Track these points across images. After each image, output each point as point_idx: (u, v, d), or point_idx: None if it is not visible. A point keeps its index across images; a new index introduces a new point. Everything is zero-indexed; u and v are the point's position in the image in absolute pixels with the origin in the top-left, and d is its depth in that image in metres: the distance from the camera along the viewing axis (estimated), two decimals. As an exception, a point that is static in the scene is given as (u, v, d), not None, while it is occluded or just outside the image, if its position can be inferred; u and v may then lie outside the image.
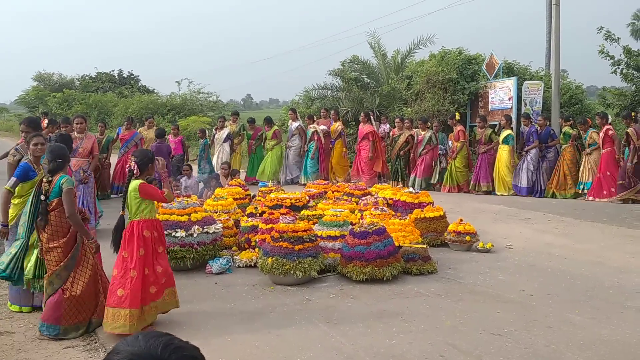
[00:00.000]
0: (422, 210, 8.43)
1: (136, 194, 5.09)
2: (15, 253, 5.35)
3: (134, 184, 5.13)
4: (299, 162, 15.11)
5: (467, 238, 7.83)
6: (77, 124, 9.12)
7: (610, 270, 6.72)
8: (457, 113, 14.39)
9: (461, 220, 8.15)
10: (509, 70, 16.47)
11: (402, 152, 14.06)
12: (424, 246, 7.06)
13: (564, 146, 12.62)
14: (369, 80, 20.16)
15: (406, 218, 8.00)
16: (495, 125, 13.83)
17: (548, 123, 13.19)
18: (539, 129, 12.92)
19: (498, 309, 5.50)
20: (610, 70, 15.70)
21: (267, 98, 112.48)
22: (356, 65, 20.20)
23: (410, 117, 15.01)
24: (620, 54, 15.63)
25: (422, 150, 13.73)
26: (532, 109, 14.67)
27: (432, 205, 8.77)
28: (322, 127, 14.96)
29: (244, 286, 6.35)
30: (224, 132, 15.08)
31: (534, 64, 18.25)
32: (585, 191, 12.02)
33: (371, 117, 14.77)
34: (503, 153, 12.98)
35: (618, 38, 15.56)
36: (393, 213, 8.30)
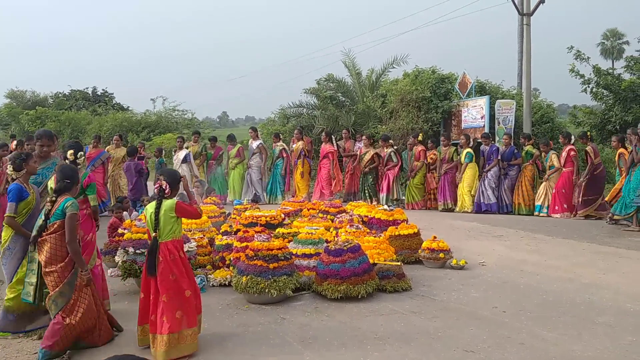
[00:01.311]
0: (396, 228, 8.46)
1: (172, 213, 4.96)
2: (36, 282, 5.18)
3: (169, 203, 4.97)
4: (262, 180, 15.05)
5: (441, 255, 7.88)
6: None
7: (582, 287, 6.80)
8: (420, 134, 14.51)
9: (435, 237, 8.20)
10: (481, 89, 16.74)
11: (366, 169, 14.12)
12: (399, 263, 7.08)
13: (524, 164, 12.87)
14: (344, 99, 20.31)
15: (381, 235, 8.03)
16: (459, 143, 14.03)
17: (512, 142, 13.42)
18: (503, 147, 13.13)
19: (471, 325, 5.53)
20: (581, 89, 16.07)
21: (244, 115, 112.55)
22: (331, 84, 20.35)
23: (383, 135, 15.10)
24: (590, 73, 16.00)
25: (385, 167, 13.98)
26: (505, 128, 14.90)
27: (407, 223, 8.81)
28: (294, 145, 14.97)
29: (218, 305, 6.30)
30: (182, 153, 14.57)
31: (505, 85, 18.64)
32: (542, 214, 12.40)
33: (332, 137, 14.94)
34: (467, 171, 13.24)
35: (588, 57, 15.94)
36: (368, 230, 8.32)
